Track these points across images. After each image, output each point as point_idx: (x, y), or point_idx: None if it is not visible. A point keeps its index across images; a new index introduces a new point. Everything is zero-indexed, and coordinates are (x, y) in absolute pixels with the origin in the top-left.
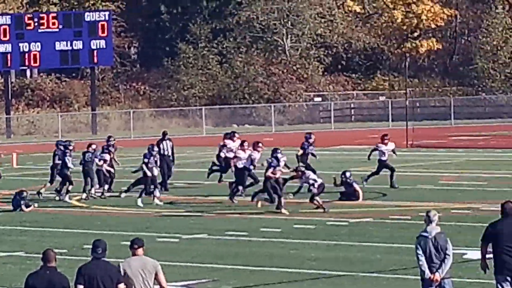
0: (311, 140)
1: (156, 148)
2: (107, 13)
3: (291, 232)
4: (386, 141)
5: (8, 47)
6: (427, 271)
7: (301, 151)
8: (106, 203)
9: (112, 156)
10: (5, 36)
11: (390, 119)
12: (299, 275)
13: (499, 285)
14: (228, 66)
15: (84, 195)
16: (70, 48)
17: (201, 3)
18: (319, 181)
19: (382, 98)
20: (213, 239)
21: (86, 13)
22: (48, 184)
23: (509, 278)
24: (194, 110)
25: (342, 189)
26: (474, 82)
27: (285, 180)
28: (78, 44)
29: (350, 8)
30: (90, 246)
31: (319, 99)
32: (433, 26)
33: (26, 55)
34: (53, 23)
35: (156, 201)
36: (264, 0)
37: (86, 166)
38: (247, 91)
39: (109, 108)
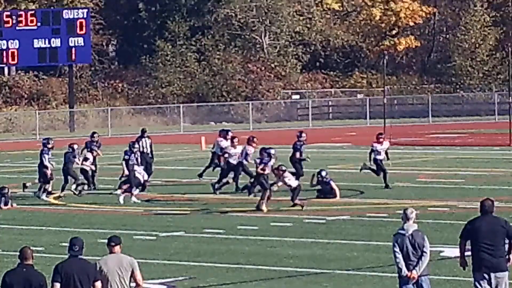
0: (302, 139)
1: (137, 145)
2: (85, 10)
3: (268, 230)
4: (381, 139)
5: None
6: (404, 269)
7: (298, 154)
8: (83, 201)
9: (96, 153)
10: None
11: (368, 117)
12: (276, 272)
13: (477, 283)
14: (206, 64)
15: (62, 193)
16: (48, 45)
17: (180, 0)
18: (294, 184)
19: (360, 96)
20: (190, 236)
21: (64, 11)
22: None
23: (486, 276)
24: (172, 107)
25: (319, 187)
26: (452, 80)
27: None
28: (56, 42)
29: (328, 6)
30: (67, 244)
31: (297, 96)
32: (411, 23)
33: (4, 52)
34: (31, 21)
35: (134, 198)
36: None
37: (65, 166)
38: (225, 88)
39: (87, 106)
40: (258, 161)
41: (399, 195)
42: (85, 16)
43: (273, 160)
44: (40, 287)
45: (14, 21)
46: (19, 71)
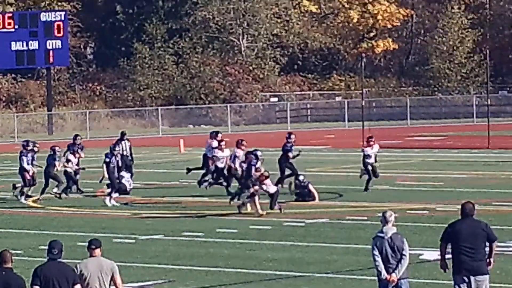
0: (291, 140)
1: (117, 148)
2: (63, 13)
3: (247, 233)
4: (371, 143)
5: None
6: (383, 272)
7: (291, 155)
8: (62, 204)
9: (78, 156)
10: None
11: (346, 119)
12: (255, 275)
13: (457, 286)
14: (184, 67)
15: (41, 196)
16: (26, 48)
17: (157, 3)
18: (272, 191)
19: (338, 98)
20: (169, 239)
21: (42, 13)
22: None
23: (466, 279)
24: (150, 110)
25: (298, 191)
26: (430, 82)
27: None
28: (34, 44)
29: (306, 8)
30: (46, 247)
31: (275, 99)
32: (389, 26)
33: None
34: (9, 23)
35: (112, 201)
36: (220, 0)
37: (47, 169)
38: (203, 91)
39: (65, 109)
40: (244, 165)
41: (378, 198)
42: (62, 18)
43: (259, 163)
44: None
45: None
46: None
